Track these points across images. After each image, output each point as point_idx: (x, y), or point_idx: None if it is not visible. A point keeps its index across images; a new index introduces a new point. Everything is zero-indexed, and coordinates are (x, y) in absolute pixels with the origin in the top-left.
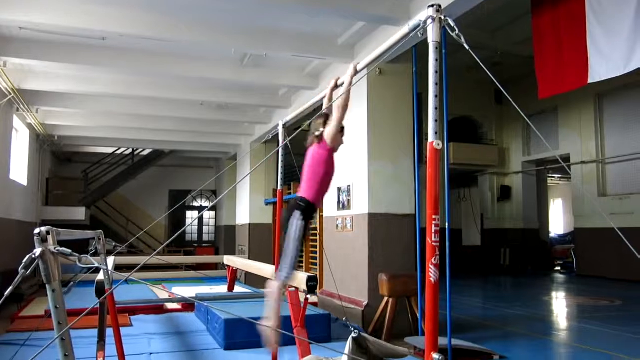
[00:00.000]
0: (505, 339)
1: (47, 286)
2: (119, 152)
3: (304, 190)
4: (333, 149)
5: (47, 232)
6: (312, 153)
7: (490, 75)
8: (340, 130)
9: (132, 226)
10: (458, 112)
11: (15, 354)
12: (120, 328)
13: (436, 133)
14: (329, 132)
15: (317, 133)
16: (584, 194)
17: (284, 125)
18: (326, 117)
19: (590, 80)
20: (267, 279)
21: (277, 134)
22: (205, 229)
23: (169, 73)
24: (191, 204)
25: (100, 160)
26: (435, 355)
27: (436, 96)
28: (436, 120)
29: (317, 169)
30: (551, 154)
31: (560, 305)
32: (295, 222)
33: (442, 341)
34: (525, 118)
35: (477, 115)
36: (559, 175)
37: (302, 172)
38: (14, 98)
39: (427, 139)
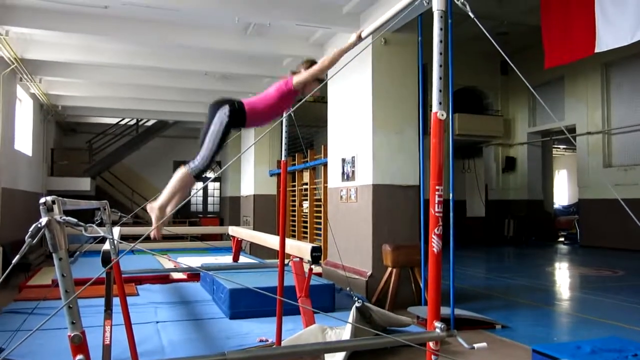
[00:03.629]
0: (507, 308)
1: (53, 255)
2: (123, 122)
3: (248, 101)
4: (296, 91)
5: (53, 202)
6: (279, 82)
7: (496, 45)
8: (319, 81)
9: (137, 197)
10: (463, 83)
11: (23, 322)
12: (127, 297)
13: (440, 103)
14: (303, 74)
15: (294, 70)
16: (589, 165)
17: None
18: (312, 64)
19: (597, 50)
20: (273, 249)
21: None
22: (210, 199)
23: (172, 43)
24: None
25: (104, 130)
26: (437, 324)
27: (441, 66)
28: (440, 90)
29: (271, 94)
30: (557, 125)
31: (562, 275)
32: (221, 116)
33: (445, 311)
34: (531, 89)
35: (482, 86)
36: (564, 146)
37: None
38: (16, 67)
39: (432, 110)
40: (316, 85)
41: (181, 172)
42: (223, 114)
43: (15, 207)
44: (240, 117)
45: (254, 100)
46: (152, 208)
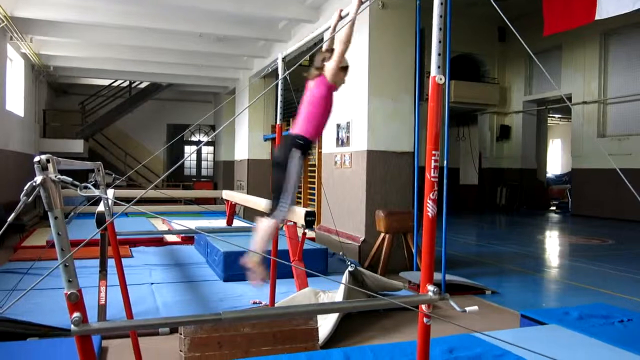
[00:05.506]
0: (497, 275)
1: (49, 213)
2: (115, 84)
3: (301, 127)
4: (334, 86)
5: (48, 160)
6: (312, 89)
7: (497, 8)
8: (344, 68)
9: (131, 160)
10: (460, 50)
11: (18, 281)
12: (121, 259)
13: (439, 67)
14: (330, 67)
15: (318, 65)
16: (584, 135)
17: (283, 59)
18: (332, 52)
19: (597, 17)
20: (263, 213)
21: (276, 69)
22: (203, 164)
23: (167, 3)
24: (189, 139)
25: (97, 92)
26: (430, 287)
27: (440, 29)
28: (439, 54)
29: (316, 106)
30: (552, 94)
31: (552, 243)
32: (296, 159)
33: (436, 276)
34: (531, 53)
35: (479, 53)
36: (559, 116)
37: (300, 108)
38: (7, 26)
39: (428, 76)
40: (343, 76)
41: (266, 223)
42: (297, 159)
43: (8, 168)
44: (308, 147)
45: (307, 122)
46: (250, 265)
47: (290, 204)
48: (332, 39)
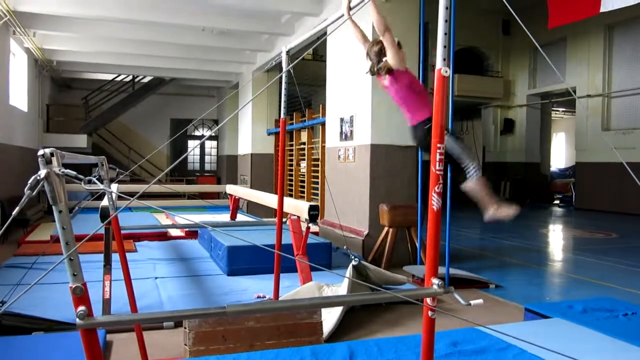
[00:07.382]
0: (501, 268)
1: (53, 207)
2: (119, 79)
3: (418, 115)
4: (406, 69)
5: (52, 154)
6: (394, 84)
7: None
8: (400, 47)
9: (135, 154)
10: (464, 43)
11: (23, 275)
12: (126, 253)
13: (445, 59)
14: (393, 61)
15: (380, 65)
16: (588, 128)
17: (287, 52)
18: (380, 44)
19: (603, 9)
20: (270, 208)
21: (280, 62)
22: (207, 158)
23: None
24: (193, 134)
25: (100, 87)
26: (435, 281)
27: (446, 21)
28: (445, 46)
29: (412, 92)
30: (556, 87)
31: (556, 237)
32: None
33: (440, 270)
34: (537, 46)
35: (483, 46)
36: (563, 109)
37: (397, 101)
38: (9, 20)
39: (432, 70)
40: (403, 53)
41: (475, 183)
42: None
43: (12, 163)
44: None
45: (422, 107)
46: (499, 213)
47: (477, 164)
48: (360, 30)
